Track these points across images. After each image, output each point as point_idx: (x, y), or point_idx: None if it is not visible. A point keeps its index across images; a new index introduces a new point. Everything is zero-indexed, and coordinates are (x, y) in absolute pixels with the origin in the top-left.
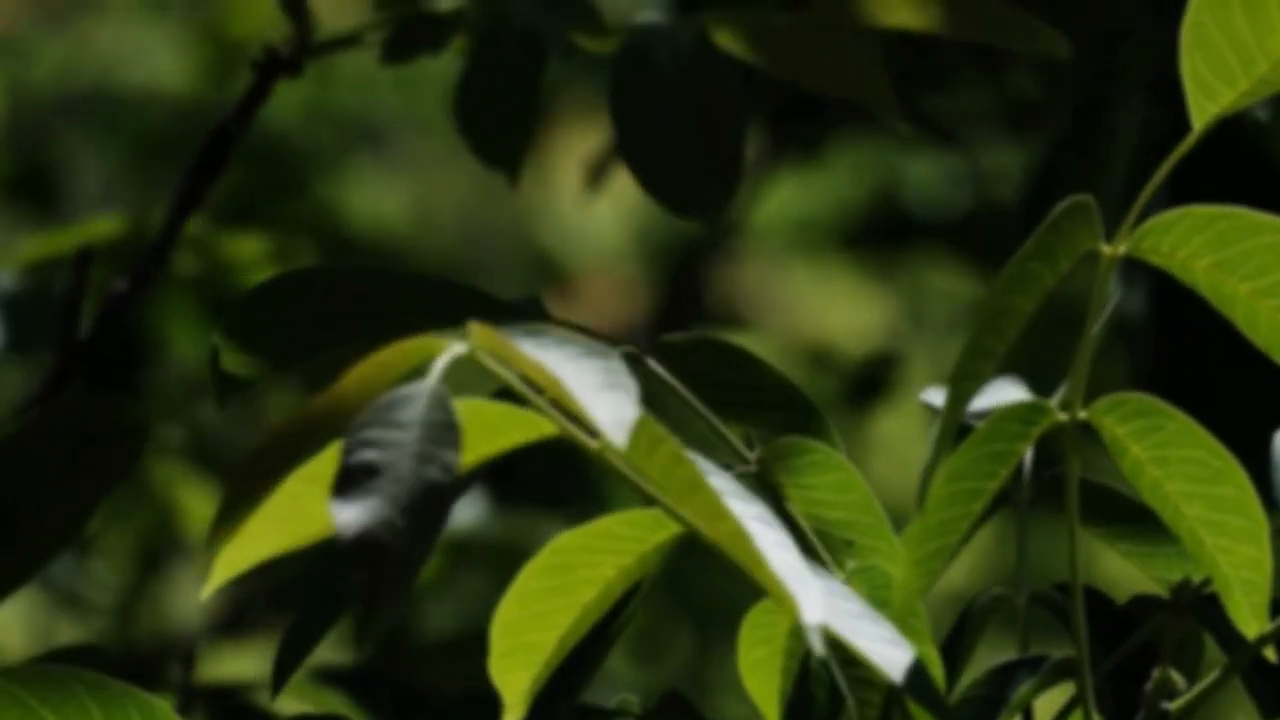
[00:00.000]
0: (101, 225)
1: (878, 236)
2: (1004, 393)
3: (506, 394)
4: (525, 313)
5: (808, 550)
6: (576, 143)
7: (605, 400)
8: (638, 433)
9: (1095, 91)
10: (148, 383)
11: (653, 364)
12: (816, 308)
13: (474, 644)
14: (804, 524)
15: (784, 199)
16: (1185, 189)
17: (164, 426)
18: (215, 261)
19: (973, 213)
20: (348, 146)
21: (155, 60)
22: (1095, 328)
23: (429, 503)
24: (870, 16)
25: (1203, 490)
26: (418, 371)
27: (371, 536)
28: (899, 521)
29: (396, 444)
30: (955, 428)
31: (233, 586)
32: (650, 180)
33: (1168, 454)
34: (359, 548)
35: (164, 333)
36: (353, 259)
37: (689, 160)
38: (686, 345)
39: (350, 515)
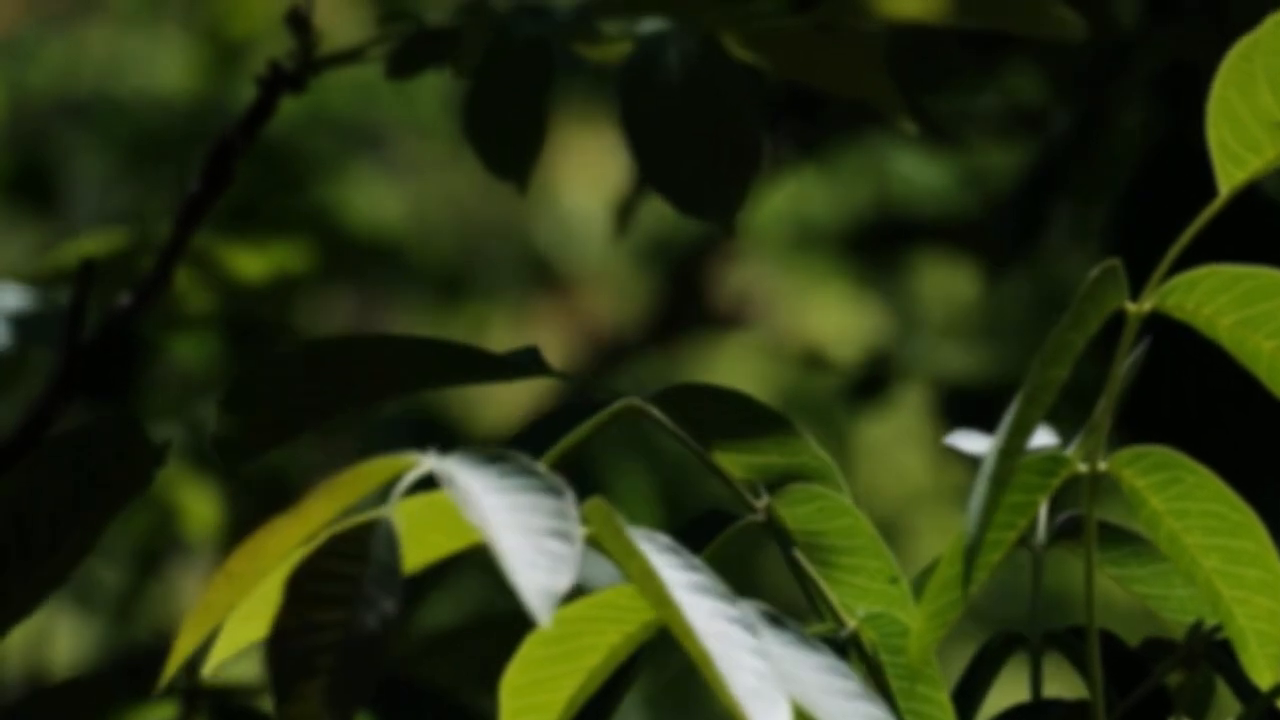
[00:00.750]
0: (104, 239)
1: (876, 237)
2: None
3: None
4: (523, 367)
5: (817, 596)
6: (575, 145)
7: (538, 571)
8: (611, 536)
9: (1095, 92)
10: (147, 382)
11: (658, 414)
12: (814, 309)
13: (471, 634)
14: (812, 570)
15: (782, 200)
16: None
17: (164, 426)
18: (217, 275)
19: (972, 213)
20: (347, 149)
21: (155, 62)
22: (1119, 382)
23: (364, 653)
24: (880, 11)
25: (1221, 543)
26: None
27: (301, 687)
28: (889, 532)
29: (351, 577)
30: (997, 504)
31: None
32: (664, 185)
33: (1187, 506)
34: (285, 683)
35: (164, 334)
36: (353, 261)
37: (700, 164)
38: (688, 394)
39: (285, 667)
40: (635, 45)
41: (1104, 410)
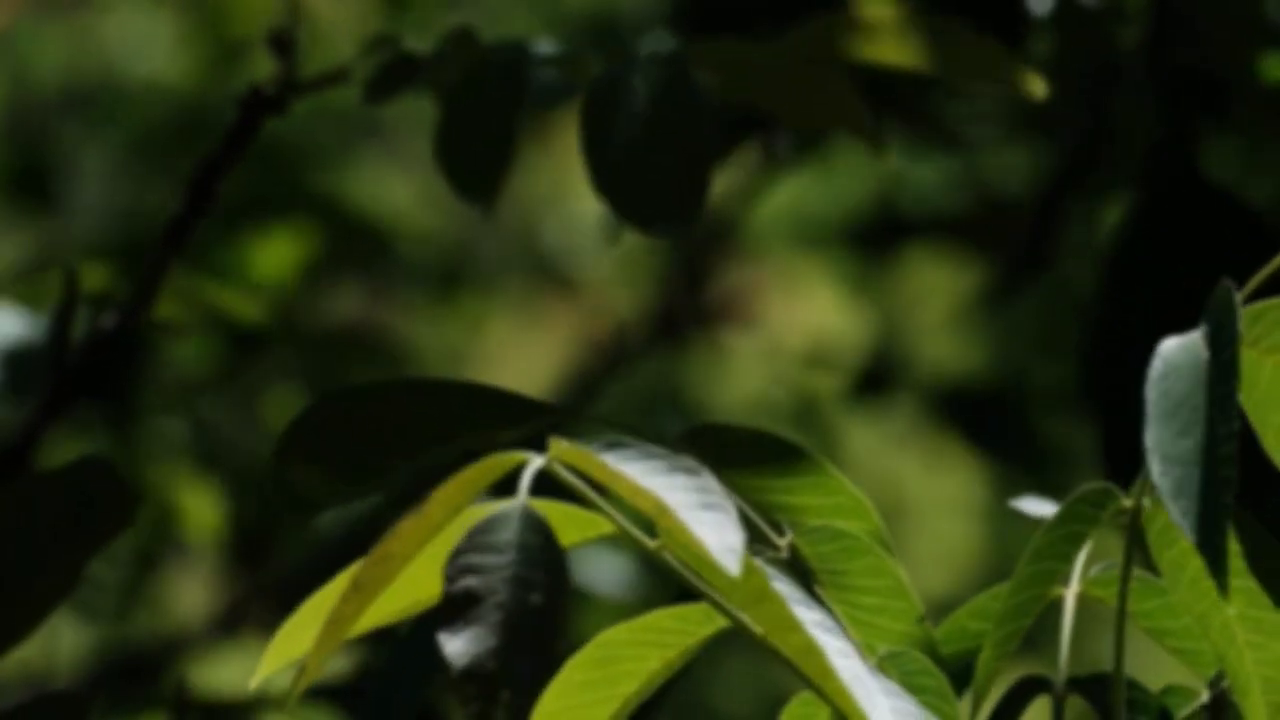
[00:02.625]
0: (90, 273)
1: (877, 235)
2: None
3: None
4: (563, 415)
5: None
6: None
7: (709, 523)
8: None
9: (1099, 96)
10: (147, 382)
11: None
12: (812, 308)
13: None
14: (836, 609)
15: (783, 199)
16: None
17: (164, 426)
18: (200, 305)
19: (973, 210)
20: (350, 142)
21: (154, 55)
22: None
23: (533, 626)
24: (853, 50)
25: (1247, 585)
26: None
27: (480, 667)
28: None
29: (494, 569)
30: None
31: (232, 588)
32: (615, 201)
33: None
34: (468, 678)
35: (164, 335)
36: (358, 252)
37: (657, 187)
38: (717, 433)
39: (458, 646)
40: (604, 70)
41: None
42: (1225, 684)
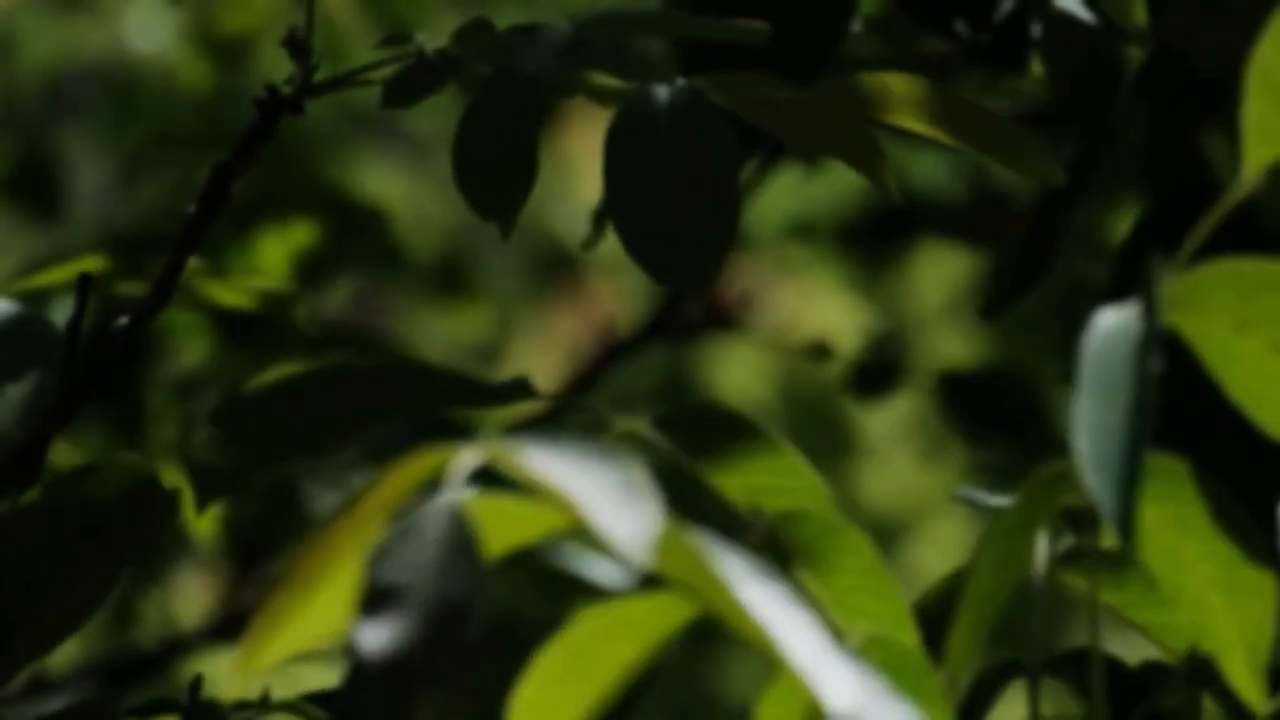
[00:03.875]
0: (96, 261)
1: (876, 231)
2: None
3: None
4: (510, 395)
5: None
6: (588, 140)
7: (619, 515)
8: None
9: (1097, 100)
10: (147, 381)
11: (656, 438)
12: (814, 303)
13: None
14: (816, 591)
15: (782, 194)
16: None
17: (163, 426)
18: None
19: (971, 201)
20: (352, 131)
21: (156, 50)
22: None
23: (453, 617)
24: (873, 110)
25: (1219, 549)
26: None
27: (398, 656)
28: (882, 535)
29: (417, 564)
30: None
31: (228, 591)
32: (635, 248)
33: (1187, 513)
34: (387, 668)
35: (163, 336)
36: (360, 245)
37: (677, 230)
38: (685, 416)
39: (374, 636)
40: (630, 97)
41: None
42: (1200, 657)
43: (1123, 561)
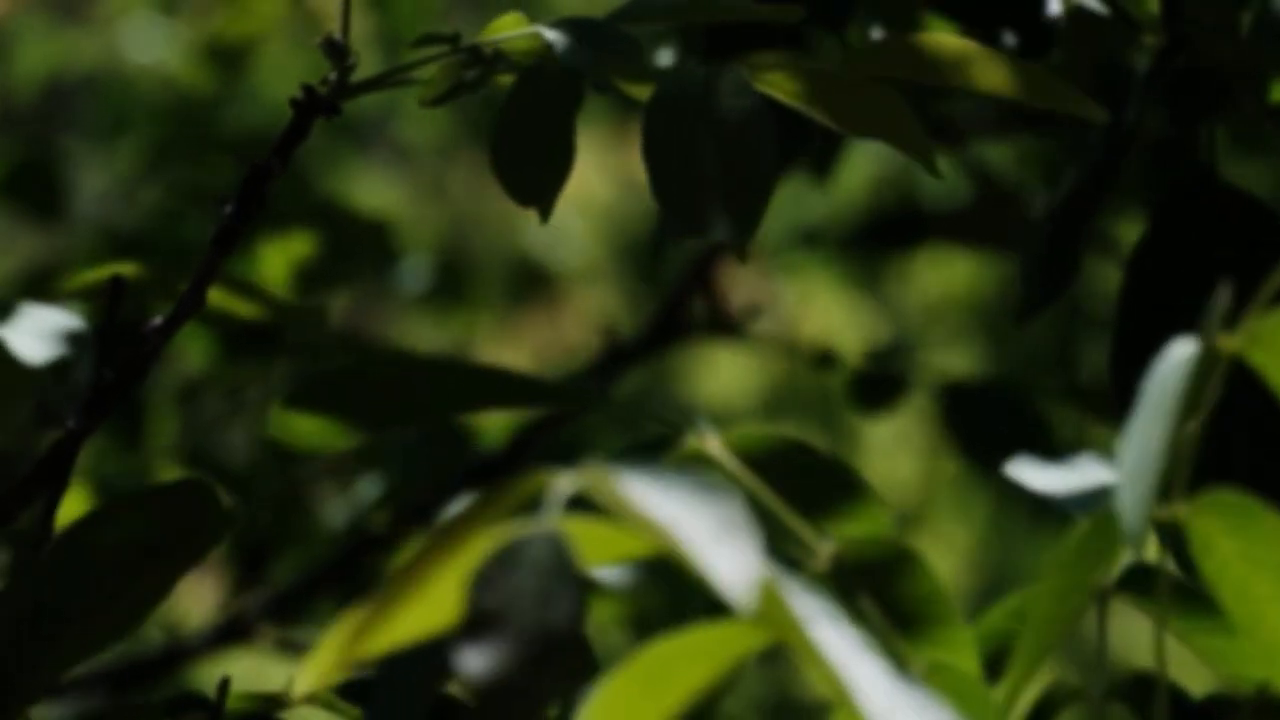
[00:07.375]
0: (129, 267)
1: (881, 235)
2: (1091, 473)
3: None
4: (578, 396)
5: (883, 647)
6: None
7: (724, 556)
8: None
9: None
10: (147, 382)
11: (725, 458)
12: (816, 309)
13: None
14: (875, 620)
15: (784, 199)
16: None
17: (163, 426)
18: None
19: (977, 205)
20: (339, 142)
21: (158, 53)
22: (1193, 423)
23: (553, 647)
24: (918, 72)
25: None
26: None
27: (500, 683)
28: None
29: (520, 590)
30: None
31: (232, 596)
32: (675, 204)
33: (1259, 552)
34: (489, 695)
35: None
36: (357, 255)
37: (716, 198)
38: (760, 443)
39: (477, 660)
40: (666, 79)
41: (1182, 454)
42: (1272, 690)
43: (1187, 587)
